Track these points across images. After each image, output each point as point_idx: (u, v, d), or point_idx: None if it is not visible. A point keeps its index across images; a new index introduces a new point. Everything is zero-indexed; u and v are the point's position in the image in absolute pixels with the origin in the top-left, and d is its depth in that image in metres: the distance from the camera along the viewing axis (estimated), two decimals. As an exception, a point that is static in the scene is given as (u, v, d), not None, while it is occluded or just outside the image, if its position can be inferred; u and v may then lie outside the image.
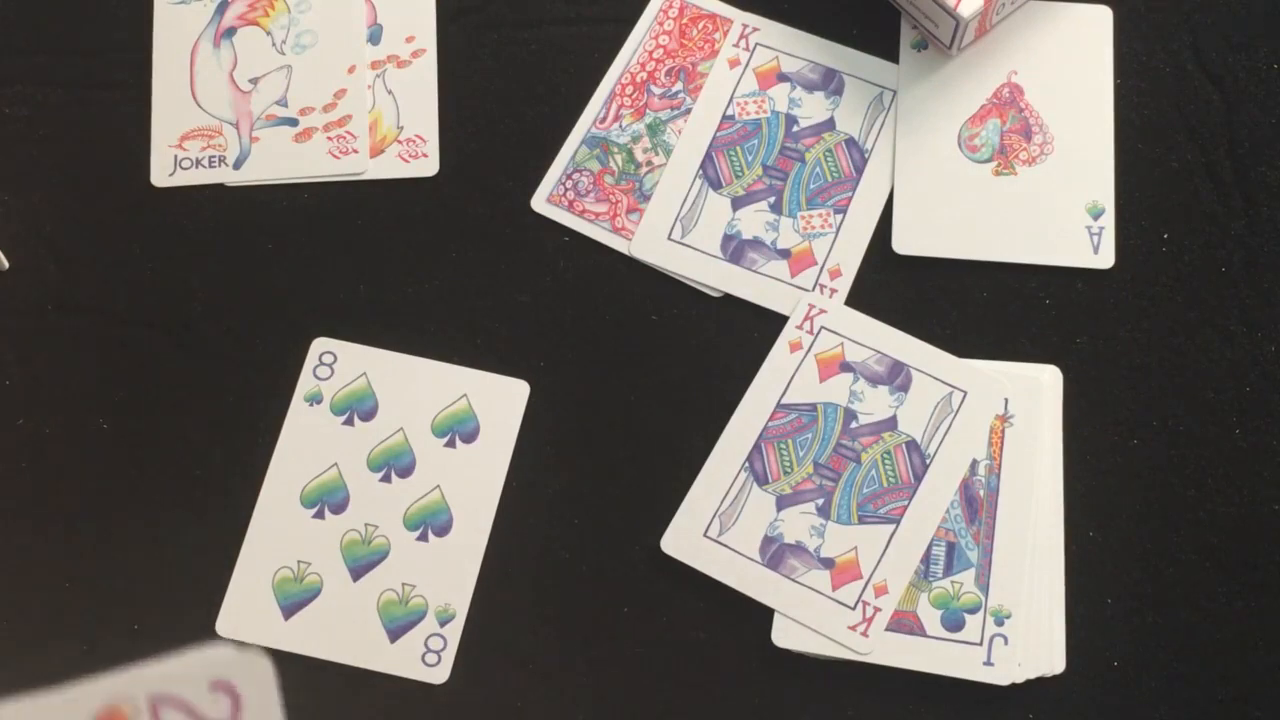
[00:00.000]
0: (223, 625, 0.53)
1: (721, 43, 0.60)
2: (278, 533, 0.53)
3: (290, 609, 0.53)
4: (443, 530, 0.53)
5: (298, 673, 0.52)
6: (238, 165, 0.59)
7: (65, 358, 0.57)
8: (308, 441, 0.54)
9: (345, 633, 0.52)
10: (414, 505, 0.54)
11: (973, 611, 0.51)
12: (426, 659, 0.52)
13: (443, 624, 0.52)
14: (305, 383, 0.55)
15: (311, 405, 0.55)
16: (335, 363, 0.55)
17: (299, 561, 0.53)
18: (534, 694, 0.52)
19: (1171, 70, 0.59)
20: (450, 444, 0.54)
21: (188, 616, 0.53)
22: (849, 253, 0.57)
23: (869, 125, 0.58)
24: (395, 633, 0.52)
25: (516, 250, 0.58)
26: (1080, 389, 0.55)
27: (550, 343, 0.56)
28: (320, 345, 0.56)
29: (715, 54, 0.60)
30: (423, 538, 0.53)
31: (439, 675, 0.52)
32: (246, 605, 0.53)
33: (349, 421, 0.55)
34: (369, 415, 0.55)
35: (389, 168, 0.59)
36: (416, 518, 0.54)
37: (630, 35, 0.60)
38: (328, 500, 0.54)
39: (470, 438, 0.54)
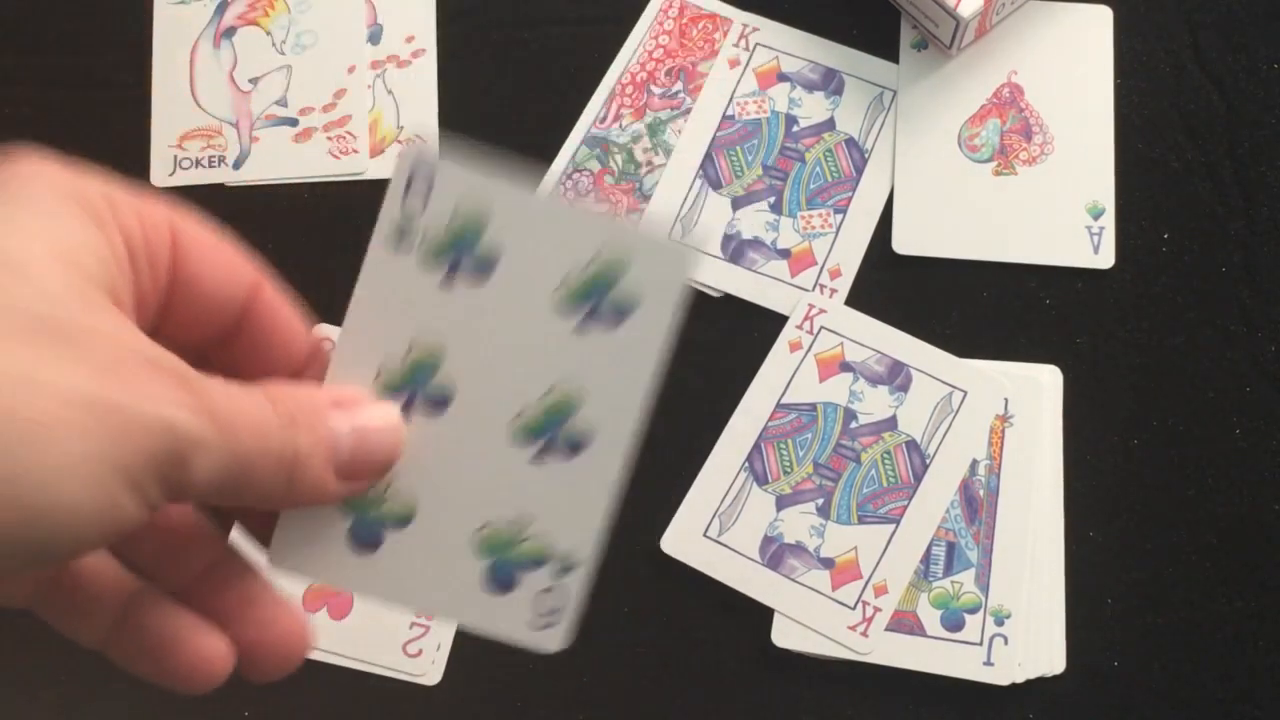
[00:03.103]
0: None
1: (721, 43, 0.60)
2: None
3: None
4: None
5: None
6: (237, 165, 0.59)
7: (65, 358, 0.56)
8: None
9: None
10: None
11: (973, 611, 0.51)
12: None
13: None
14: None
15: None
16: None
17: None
18: (534, 694, 0.52)
19: (1172, 70, 0.59)
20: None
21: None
22: (849, 253, 0.57)
23: (869, 125, 0.58)
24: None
25: (516, 250, 0.58)
26: (1080, 389, 0.55)
27: (550, 343, 0.56)
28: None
29: (715, 54, 0.60)
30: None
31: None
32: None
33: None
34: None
35: (389, 168, 0.59)
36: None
37: (630, 35, 0.60)
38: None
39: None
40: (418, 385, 0.37)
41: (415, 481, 0.37)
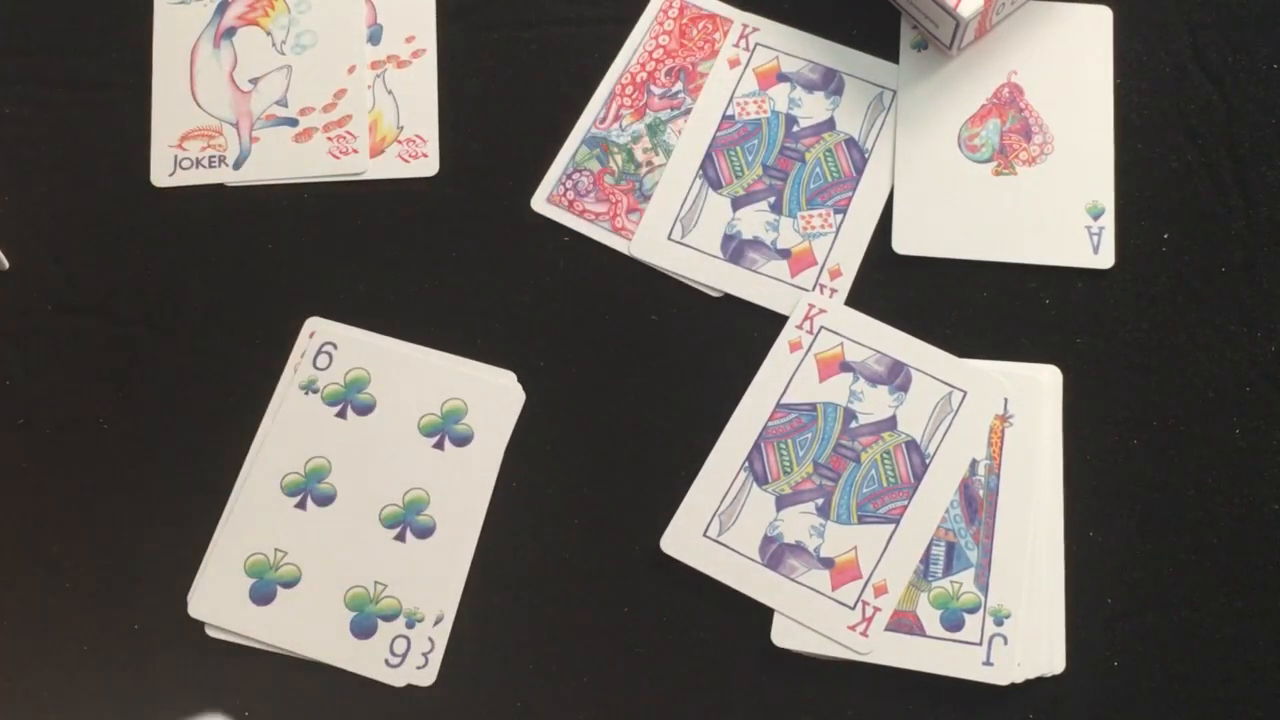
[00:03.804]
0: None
1: (721, 43, 0.60)
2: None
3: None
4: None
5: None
6: (238, 165, 0.59)
7: (65, 358, 0.57)
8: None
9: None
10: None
11: (972, 611, 0.51)
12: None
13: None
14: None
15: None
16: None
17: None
18: (534, 694, 0.52)
19: (1171, 70, 0.59)
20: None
21: (183, 615, 0.53)
22: (849, 253, 0.57)
23: (869, 125, 0.58)
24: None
25: (516, 250, 0.58)
26: (1080, 389, 0.55)
27: (550, 343, 0.56)
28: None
29: (715, 54, 0.60)
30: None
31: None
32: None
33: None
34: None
35: (389, 168, 0.59)
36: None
37: (630, 35, 0.60)
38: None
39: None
40: (311, 485, 0.53)
41: (303, 555, 0.53)
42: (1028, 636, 0.51)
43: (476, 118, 0.59)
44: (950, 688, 0.51)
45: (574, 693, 0.52)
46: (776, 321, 0.56)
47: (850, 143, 0.58)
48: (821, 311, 0.55)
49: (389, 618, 0.52)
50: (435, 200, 0.58)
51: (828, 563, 0.52)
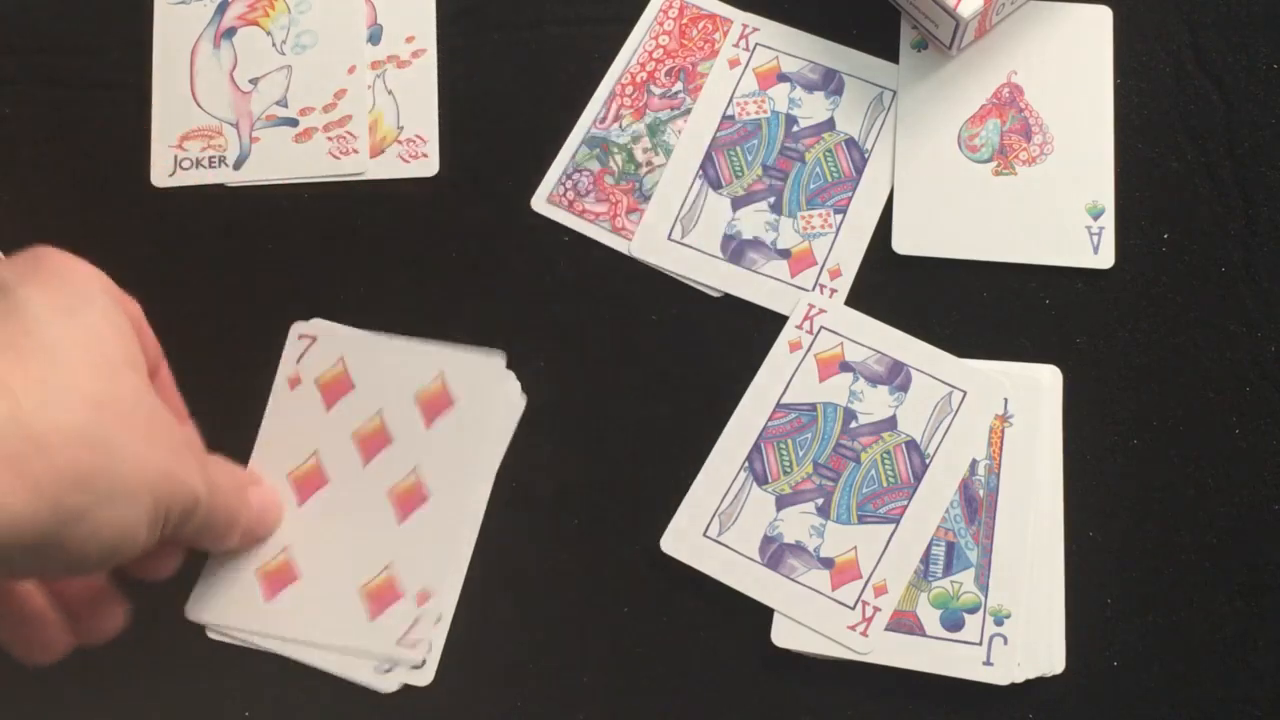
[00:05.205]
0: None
1: (721, 43, 0.60)
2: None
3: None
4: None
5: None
6: (238, 165, 0.59)
7: (65, 358, 0.56)
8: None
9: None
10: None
11: (972, 611, 0.51)
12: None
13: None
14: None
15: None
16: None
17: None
18: (534, 694, 0.52)
19: (1171, 70, 0.59)
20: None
21: (183, 616, 0.53)
22: (849, 253, 0.57)
23: (869, 125, 0.58)
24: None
25: (516, 250, 0.58)
26: (1080, 389, 0.55)
27: (549, 343, 0.56)
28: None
29: (715, 54, 0.60)
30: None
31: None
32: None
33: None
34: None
35: (389, 168, 0.59)
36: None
37: (630, 35, 0.60)
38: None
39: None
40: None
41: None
42: (1028, 636, 0.51)
43: (476, 118, 0.59)
44: (950, 688, 0.51)
45: (574, 693, 0.52)
46: (776, 321, 0.56)
47: (850, 143, 0.58)
48: (821, 311, 0.55)
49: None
50: (435, 200, 0.58)
51: (828, 563, 0.52)
